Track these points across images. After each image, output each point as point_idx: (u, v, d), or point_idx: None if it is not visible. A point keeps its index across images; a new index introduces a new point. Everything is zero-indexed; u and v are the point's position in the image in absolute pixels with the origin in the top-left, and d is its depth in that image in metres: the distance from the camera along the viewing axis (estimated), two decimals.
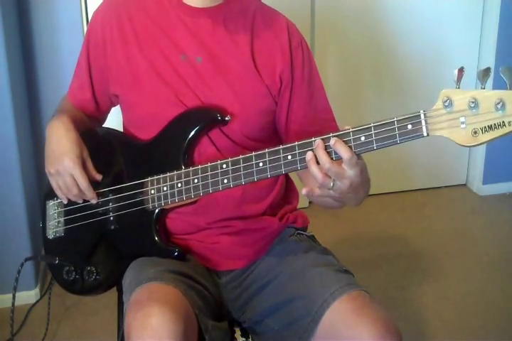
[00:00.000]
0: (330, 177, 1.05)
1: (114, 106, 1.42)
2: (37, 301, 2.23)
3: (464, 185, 3.18)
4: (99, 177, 1.32)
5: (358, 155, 1.04)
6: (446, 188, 3.16)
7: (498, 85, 0.92)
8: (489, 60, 2.84)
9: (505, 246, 2.65)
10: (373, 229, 2.79)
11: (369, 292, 1.18)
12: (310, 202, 2.83)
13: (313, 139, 1.06)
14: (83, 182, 1.28)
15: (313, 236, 1.41)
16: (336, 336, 1.11)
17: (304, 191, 1.07)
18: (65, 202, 1.34)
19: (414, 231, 2.75)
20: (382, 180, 3.00)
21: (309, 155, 1.05)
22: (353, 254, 2.51)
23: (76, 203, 1.34)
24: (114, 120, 1.47)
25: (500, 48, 2.86)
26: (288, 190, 1.43)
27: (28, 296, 2.21)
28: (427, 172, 3.11)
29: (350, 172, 1.04)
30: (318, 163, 1.04)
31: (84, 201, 1.33)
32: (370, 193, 3.31)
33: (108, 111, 1.45)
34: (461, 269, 2.48)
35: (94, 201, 1.30)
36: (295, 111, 1.31)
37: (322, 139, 1.05)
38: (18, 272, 1.42)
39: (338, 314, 1.12)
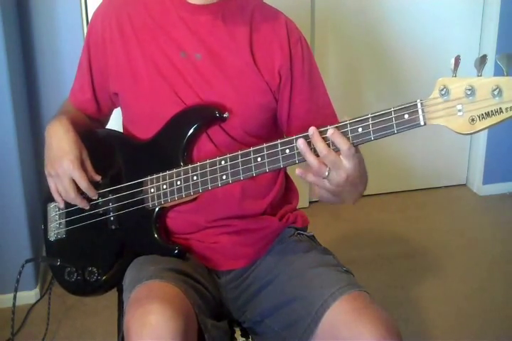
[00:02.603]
0: (325, 166, 1.04)
1: (116, 107, 1.42)
2: (37, 301, 2.23)
3: (464, 185, 3.18)
4: (98, 177, 1.32)
5: (356, 148, 1.04)
6: (446, 188, 3.16)
7: (499, 74, 0.91)
8: (489, 53, 2.83)
9: (505, 246, 2.65)
10: (373, 229, 2.79)
11: (369, 292, 1.18)
12: (310, 202, 2.84)
13: (309, 133, 1.06)
14: (83, 183, 1.28)
15: (313, 236, 1.41)
16: (336, 336, 1.11)
17: (297, 171, 1.06)
18: (61, 206, 1.35)
19: (414, 231, 2.75)
20: (382, 180, 3.00)
21: (301, 141, 1.05)
22: (353, 254, 2.51)
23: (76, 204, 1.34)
24: (114, 120, 1.48)
25: (500, 41, 2.86)
26: (288, 190, 1.43)
27: (28, 296, 2.21)
28: (427, 172, 3.10)
29: (347, 164, 1.04)
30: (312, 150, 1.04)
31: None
32: (370, 193, 3.29)
33: (109, 113, 1.46)
34: (462, 269, 2.48)
35: (95, 198, 1.30)
36: (296, 107, 1.31)
37: (320, 132, 1.04)
38: (19, 273, 1.42)
39: (338, 314, 1.12)
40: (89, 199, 1.32)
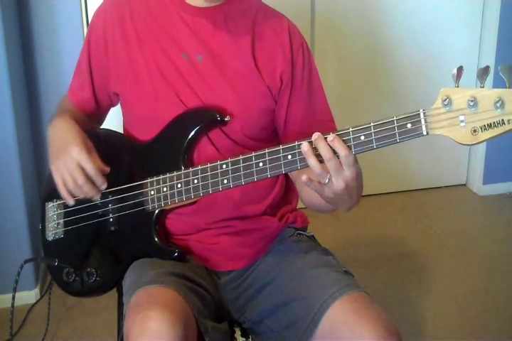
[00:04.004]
0: (327, 172, 1.04)
1: (114, 106, 1.42)
2: (37, 301, 2.23)
3: (464, 185, 3.19)
4: (107, 169, 1.26)
5: (355, 159, 1.03)
6: (446, 188, 3.16)
7: (498, 84, 0.92)
8: (489, 61, 2.84)
9: (505, 246, 2.65)
10: (373, 229, 2.79)
11: (369, 292, 1.18)
12: None
13: (312, 138, 1.06)
14: (90, 167, 1.22)
15: (313, 236, 1.41)
16: (336, 337, 1.11)
17: (303, 178, 1.05)
18: (71, 202, 1.28)
19: (414, 231, 2.75)
20: (382, 180, 3.00)
21: (306, 146, 1.04)
22: (353, 254, 2.51)
23: (76, 204, 1.33)
24: (114, 120, 1.48)
25: (500, 48, 2.86)
26: (288, 190, 1.43)
27: (28, 296, 2.21)
28: (427, 172, 3.11)
29: (347, 172, 1.03)
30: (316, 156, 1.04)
31: (86, 201, 1.32)
32: (370, 193, 3.29)
33: (107, 112, 1.46)
34: (461, 269, 2.48)
35: (103, 186, 1.25)
36: (294, 113, 1.31)
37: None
38: (18, 274, 1.42)
39: (337, 315, 1.12)
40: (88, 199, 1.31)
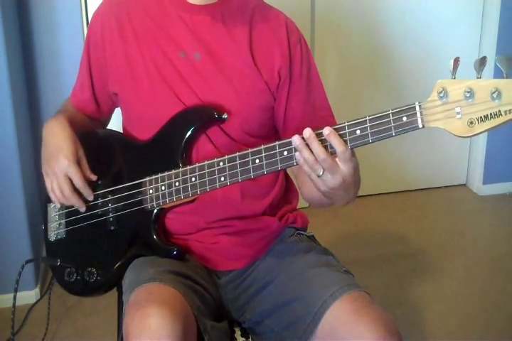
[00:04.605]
0: (321, 165, 1.04)
1: (116, 107, 1.42)
2: (37, 301, 2.23)
3: (464, 185, 3.18)
4: (93, 177, 1.32)
5: (352, 152, 1.03)
6: (446, 188, 3.16)
7: (499, 76, 0.90)
8: (490, 57, 2.84)
9: (505, 246, 2.65)
10: (373, 228, 2.79)
11: (369, 292, 1.18)
12: None
13: (304, 136, 1.04)
14: (78, 180, 1.28)
15: (313, 236, 1.41)
16: (336, 336, 1.11)
17: (297, 155, 1.04)
18: (58, 205, 1.35)
19: (414, 231, 2.75)
20: (382, 180, 2.99)
21: (297, 139, 1.04)
22: (353, 254, 2.51)
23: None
24: (114, 120, 1.48)
25: (500, 46, 2.86)
26: (288, 190, 1.43)
27: (28, 296, 2.21)
28: (426, 172, 3.10)
29: (343, 167, 1.03)
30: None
31: (86, 201, 1.32)
32: (370, 193, 3.27)
33: (110, 113, 1.46)
34: (461, 269, 2.48)
35: (90, 198, 1.31)
36: (293, 108, 1.31)
37: (317, 134, 1.03)
38: (19, 274, 1.42)
39: (338, 314, 1.12)
40: (85, 200, 1.32)
